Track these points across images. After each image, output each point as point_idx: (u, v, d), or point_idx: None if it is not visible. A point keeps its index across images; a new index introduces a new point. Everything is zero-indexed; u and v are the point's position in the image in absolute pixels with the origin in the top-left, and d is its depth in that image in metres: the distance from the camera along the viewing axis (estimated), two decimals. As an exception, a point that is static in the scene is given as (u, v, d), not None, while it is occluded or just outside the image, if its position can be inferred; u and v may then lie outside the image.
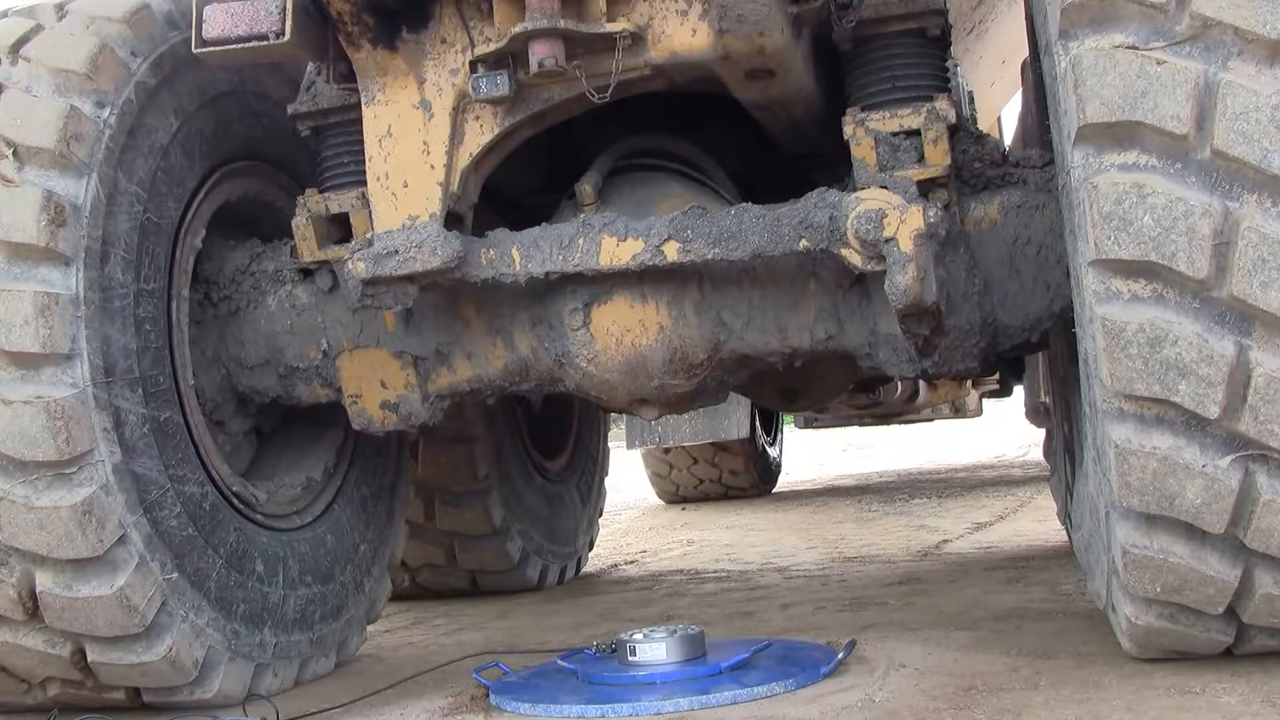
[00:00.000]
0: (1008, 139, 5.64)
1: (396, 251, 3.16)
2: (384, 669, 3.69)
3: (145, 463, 3.08)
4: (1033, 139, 3.89)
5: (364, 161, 3.25)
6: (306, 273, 3.59)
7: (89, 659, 3.05)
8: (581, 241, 3.19)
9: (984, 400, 9.66)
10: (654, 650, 3.07)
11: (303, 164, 3.75)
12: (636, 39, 3.02)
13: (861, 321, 3.32)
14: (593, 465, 5.96)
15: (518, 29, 2.93)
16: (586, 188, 3.38)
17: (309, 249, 3.47)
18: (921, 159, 3.11)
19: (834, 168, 3.49)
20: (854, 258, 2.99)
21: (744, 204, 3.22)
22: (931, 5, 3.21)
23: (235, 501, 3.44)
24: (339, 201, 3.42)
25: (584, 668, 3.16)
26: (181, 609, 3.10)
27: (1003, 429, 14.06)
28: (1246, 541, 2.39)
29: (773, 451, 9.70)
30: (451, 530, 4.92)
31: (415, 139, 3.18)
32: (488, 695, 3.11)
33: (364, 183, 3.30)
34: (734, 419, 8.00)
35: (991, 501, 7.63)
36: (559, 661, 3.28)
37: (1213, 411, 2.31)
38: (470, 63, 3.11)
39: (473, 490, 4.84)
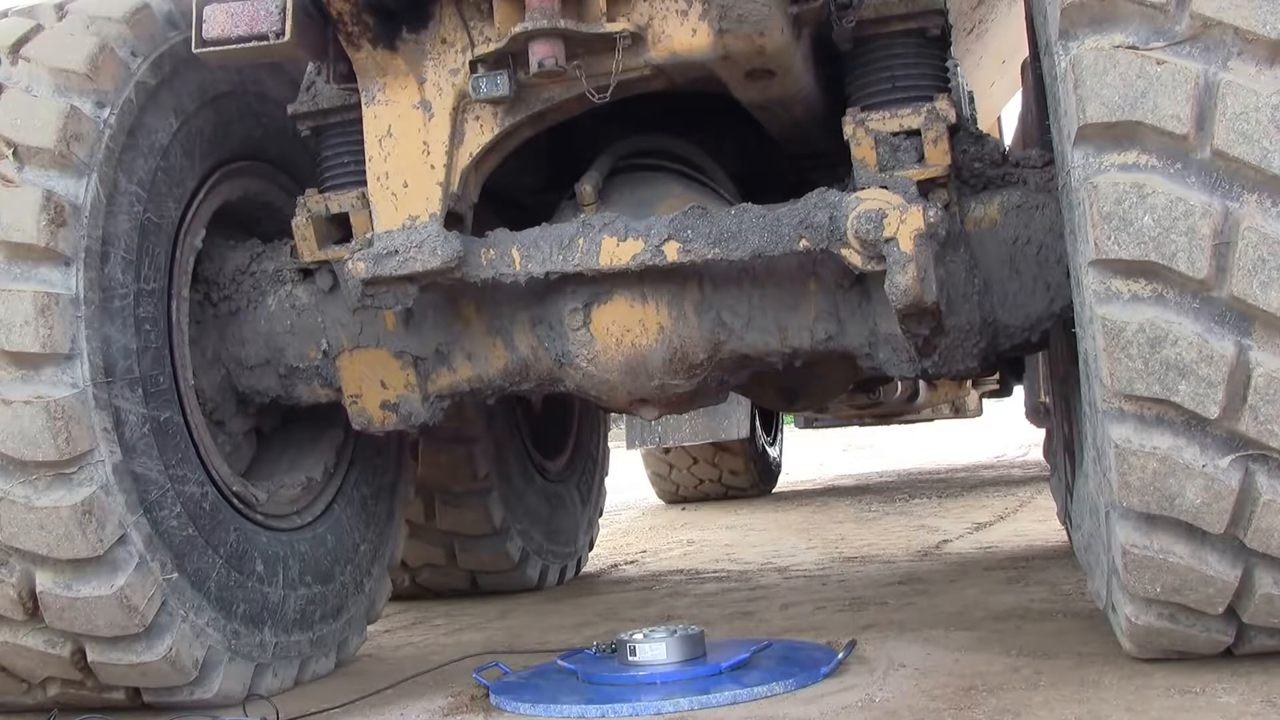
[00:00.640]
0: (1008, 139, 5.64)
1: (396, 251, 3.16)
2: (384, 669, 3.69)
3: (145, 463, 3.08)
4: (1033, 139, 3.89)
5: (364, 161, 3.25)
6: (306, 273, 3.60)
7: (89, 659, 3.05)
8: (581, 241, 3.19)
9: (984, 400, 9.66)
10: (654, 650, 3.07)
11: (303, 164, 3.75)
12: (636, 39, 3.02)
13: (861, 321, 3.32)
14: (593, 465, 5.96)
15: (518, 29, 2.93)
16: (586, 188, 3.38)
17: (309, 249, 3.47)
18: (921, 159, 3.11)
19: (834, 168, 3.49)
20: (854, 258, 2.99)
21: (744, 204, 3.22)
22: (931, 5, 3.21)
23: (235, 501, 3.44)
24: (339, 201, 3.42)
25: (584, 668, 3.16)
26: (181, 609, 3.10)
27: (1003, 429, 14.07)
28: (1246, 541, 2.39)
29: (773, 451, 9.70)
30: (451, 530, 4.92)
31: (415, 139, 3.18)
32: (488, 695, 3.11)
33: (364, 183, 3.30)
34: (734, 419, 8.00)
35: (991, 501, 7.63)
36: (559, 661, 3.28)
37: (1213, 411, 2.31)
38: (470, 63, 3.11)
39: (473, 490, 4.84)
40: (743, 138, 3.82)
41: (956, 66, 3.89)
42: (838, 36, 3.25)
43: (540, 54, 2.93)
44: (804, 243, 3.04)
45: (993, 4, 5.84)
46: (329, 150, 3.54)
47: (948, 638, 3.38)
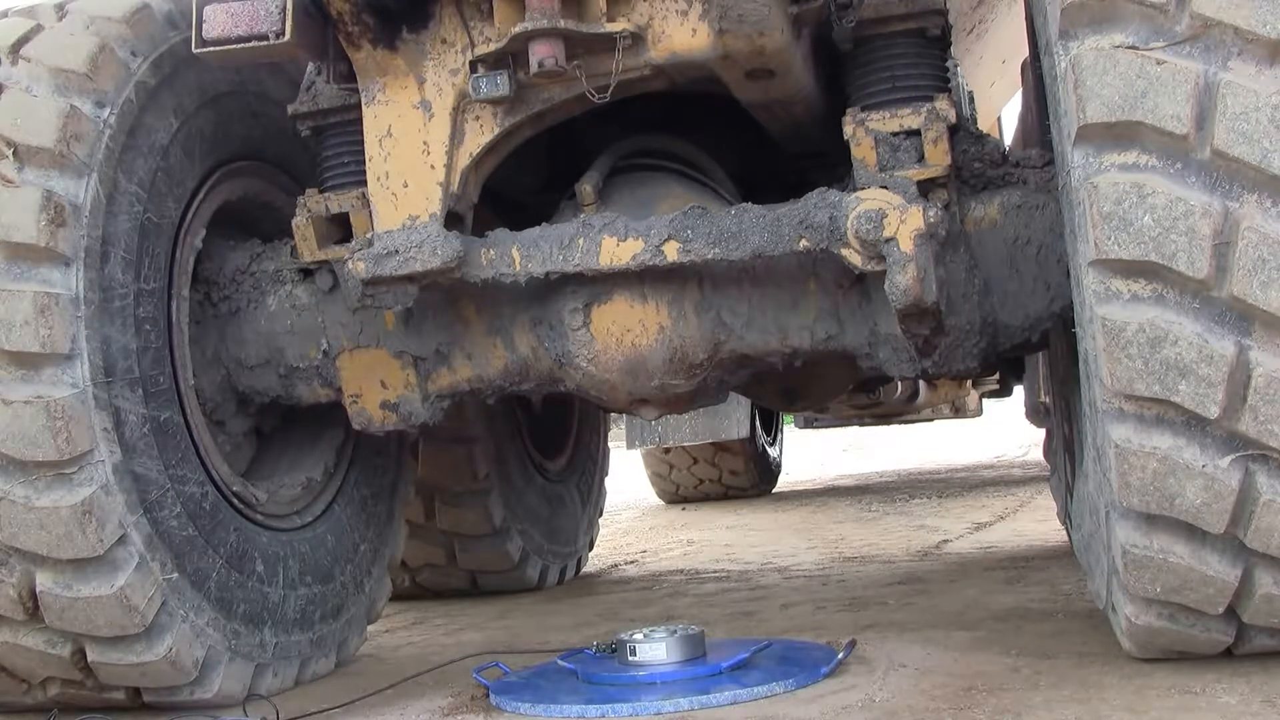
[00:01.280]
0: (1008, 139, 5.64)
1: (397, 251, 3.16)
2: (384, 669, 3.69)
3: (145, 463, 3.08)
4: (1033, 139, 3.89)
5: (364, 161, 3.25)
6: (307, 273, 3.59)
7: (89, 659, 3.05)
8: (581, 241, 3.19)
9: (984, 400, 9.66)
10: (654, 650, 3.07)
11: (303, 164, 3.75)
12: (636, 39, 3.02)
13: (861, 321, 3.32)
14: (593, 465, 5.96)
15: (518, 29, 2.93)
16: (586, 188, 3.38)
17: (309, 249, 3.47)
18: (921, 159, 3.11)
19: (834, 168, 3.49)
20: (854, 258, 2.99)
21: (744, 204, 3.22)
22: (931, 5, 3.21)
23: (235, 501, 3.44)
24: (339, 201, 3.42)
25: (584, 668, 3.16)
26: (181, 609, 3.10)
27: (1003, 429, 14.06)
28: (1246, 541, 2.39)
29: (773, 451, 9.70)
30: (451, 530, 4.92)
31: (415, 139, 3.18)
32: (488, 695, 3.11)
33: (364, 183, 3.30)
34: (734, 419, 8.00)
35: (991, 501, 7.62)
36: (559, 661, 3.28)
37: (1213, 411, 2.31)
38: (470, 63, 3.11)
39: (473, 490, 4.84)
40: (743, 138, 3.82)
41: (956, 66, 3.89)
42: (838, 36, 3.25)
43: (540, 54, 2.93)
44: (804, 243, 3.04)
45: (993, 4, 5.84)
46: (329, 150, 3.54)
47: (948, 638, 3.38)
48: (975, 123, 3.62)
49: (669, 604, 4.59)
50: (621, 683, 3.03)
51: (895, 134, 3.12)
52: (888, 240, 2.92)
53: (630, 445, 8.30)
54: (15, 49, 3.11)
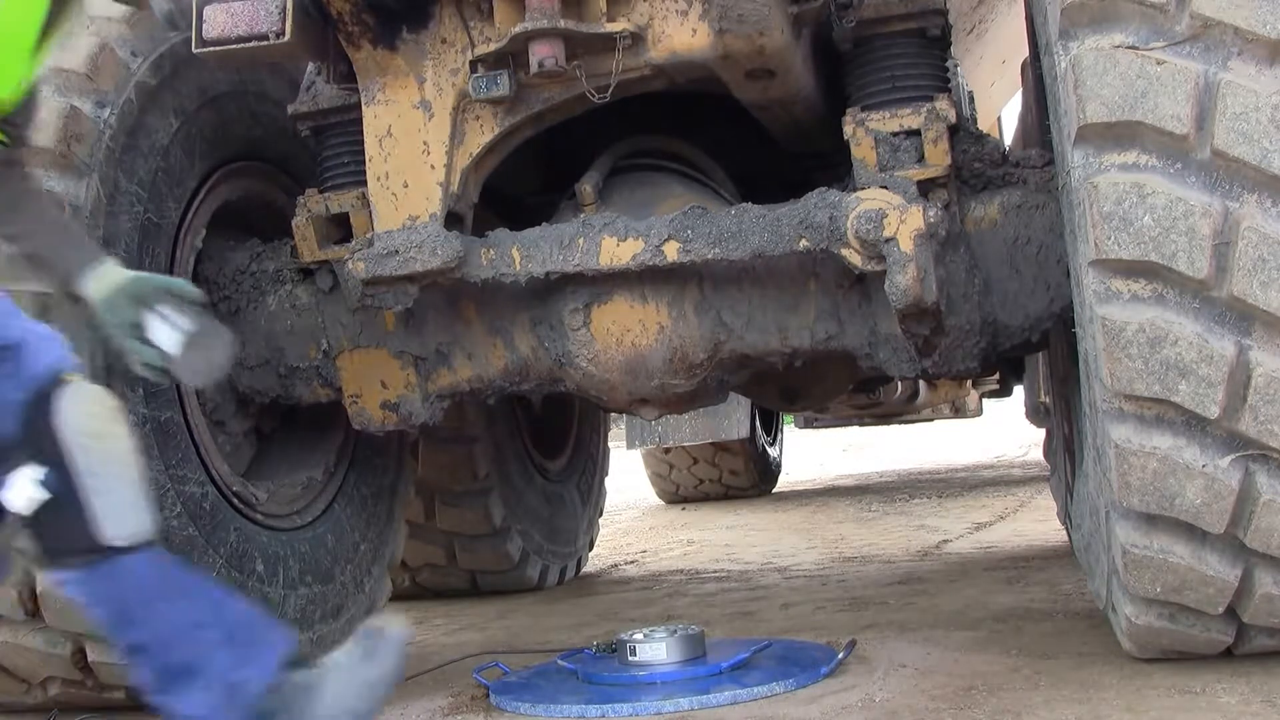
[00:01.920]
0: (1008, 139, 5.64)
1: (397, 251, 3.16)
2: (384, 669, 3.68)
3: (145, 462, 3.07)
4: (1033, 139, 3.89)
5: (364, 161, 3.25)
6: (307, 273, 3.59)
7: (89, 659, 3.04)
8: (581, 241, 3.19)
9: (984, 400, 9.65)
10: (654, 650, 3.07)
11: (303, 164, 3.75)
12: (636, 39, 3.02)
13: (861, 321, 3.31)
14: (593, 465, 5.95)
15: (518, 29, 2.93)
16: (586, 188, 3.38)
17: (309, 249, 3.47)
18: (921, 159, 3.11)
19: (834, 168, 3.49)
20: (854, 258, 2.99)
21: (744, 204, 3.22)
22: (931, 5, 3.21)
23: (235, 501, 3.44)
24: (339, 201, 3.42)
25: (584, 668, 3.16)
26: (181, 609, 3.10)
27: (1003, 429, 14.06)
28: (1246, 541, 2.40)
29: (773, 451, 9.70)
30: (451, 530, 4.92)
31: (415, 139, 3.18)
32: (488, 695, 3.11)
33: (364, 183, 3.30)
34: (734, 419, 8.00)
35: (991, 501, 7.62)
36: (559, 661, 3.28)
37: (1213, 411, 2.31)
38: (470, 63, 3.11)
39: (473, 490, 4.84)
40: (743, 138, 3.82)
41: (956, 66, 3.89)
42: (838, 36, 3.25)
43: (540, 54, 2.93)
44: (804, 243, 3.04)
45: (993, 4, 5.84)
46: (329, 150, 3.54)
47: (948, 638, 3.38)
48: (975, 123, 3.62)
49: (669, 604, 4.59)
50: (621, 683, 3.03)
51: (895, 134, 3.12)
52: (888, 240, 2.92)
53: (630, 445, 8.30)
54: (15, 49, 3.11)
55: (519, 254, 3.22)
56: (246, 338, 3.60)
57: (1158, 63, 2.31)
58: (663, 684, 2.98)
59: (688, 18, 3.00)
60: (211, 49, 3.10)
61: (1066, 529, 4.13)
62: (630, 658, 3.09)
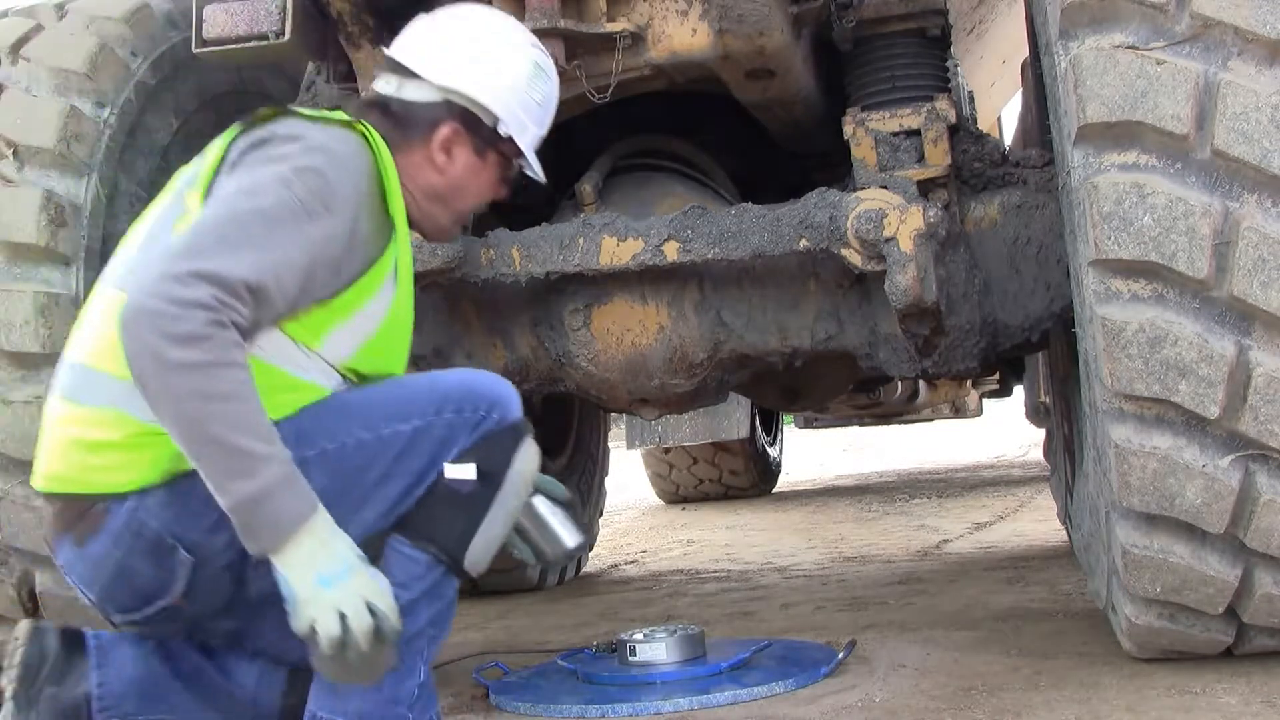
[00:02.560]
0: (1008, 139, 5.64)
1: (396, 251, 3.16)
2: (384, 669, 3.68)
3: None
4: (1033, 139, 3.89)
5: (364, 161, 3.25)
6: (306, 273, 3.58)
7: (89, 659, 3.04)
8: (582, 241, 3.19)
9: (984, 400, 9.65)
10: (654, 650, 3.07)
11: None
12: (636, 39, 3.02)
13: (861, 321, 3.32)
14: (593, 465, 5.95)
15: (518, 29, 2.93)
16: (586, 188, 3.38)
17: (309, 249, 3.46)
18: (921, 159, 3.11)
19: (834, 168, 3.49)
20: (854, 258, 2.99)
21: (744, 204, 3.22)
22: (931, 5, 3.21)
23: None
24: (339, 201, 3.42)
25: (584, 668, 3.16)
26: (181, 609, 3.10)
27: (1003, 429, 14.07)
28: (1246, 541, 2.39)
29: (773, 451, 9.70)
30: (451, 530, 4.91)
31: (415, 139, 3.18)
32: (488, 695, 3.11)
33: (364, 183, 3.30)
34: (734, 419, 7.99)
35: (991, 501, 7.62)
36: (559, 661, 3.28)
37: (1213, 411, 2.31)
38: (470, 63, 3.11)
39: (472, 490, 4.83)
40: (743, 138, 3.82)
41: (956, 66, 3.89)
42: (838, 36, 3.25)
43: (540, 54, 2.93)
44: (804, 243, 3.04)
45: (993, 4, 5.83)
46: (329, 150, 3.54)
47: (948, 638, 3.38)
48: (975, 123, 3.62)
49: (669, 604, 4.59)
50: (621, 683, 3.03)
51: (895, 134, 3.12)
52: (888, 240, 2.92)
53: (630, 445, 8.30)
54: (15, 49, 3.12)
55: (519, 254, 3.22)
56: (246, 338, 3.60)
57: (1158, 63, 2.31)
58: (663, 684, 2.97)
59: (688, 18, 3.00)
60: (211, 49, 3.10)
61: (1066, 529, 4.13)
62: (630, 658, 3.09)
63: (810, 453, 14.01)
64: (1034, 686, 2.74)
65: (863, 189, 3.05)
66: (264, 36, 3.07)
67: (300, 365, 2.23)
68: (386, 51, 2.55)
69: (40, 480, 2.25)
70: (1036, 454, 10.08)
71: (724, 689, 2.87)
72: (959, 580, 4.47)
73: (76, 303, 2.96)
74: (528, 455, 2.34)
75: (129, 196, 3.16)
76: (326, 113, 2.40)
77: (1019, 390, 6.74)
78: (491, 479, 2.28)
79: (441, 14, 2.56)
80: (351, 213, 2.23)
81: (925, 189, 3.08)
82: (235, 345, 1.99)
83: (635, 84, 3.13)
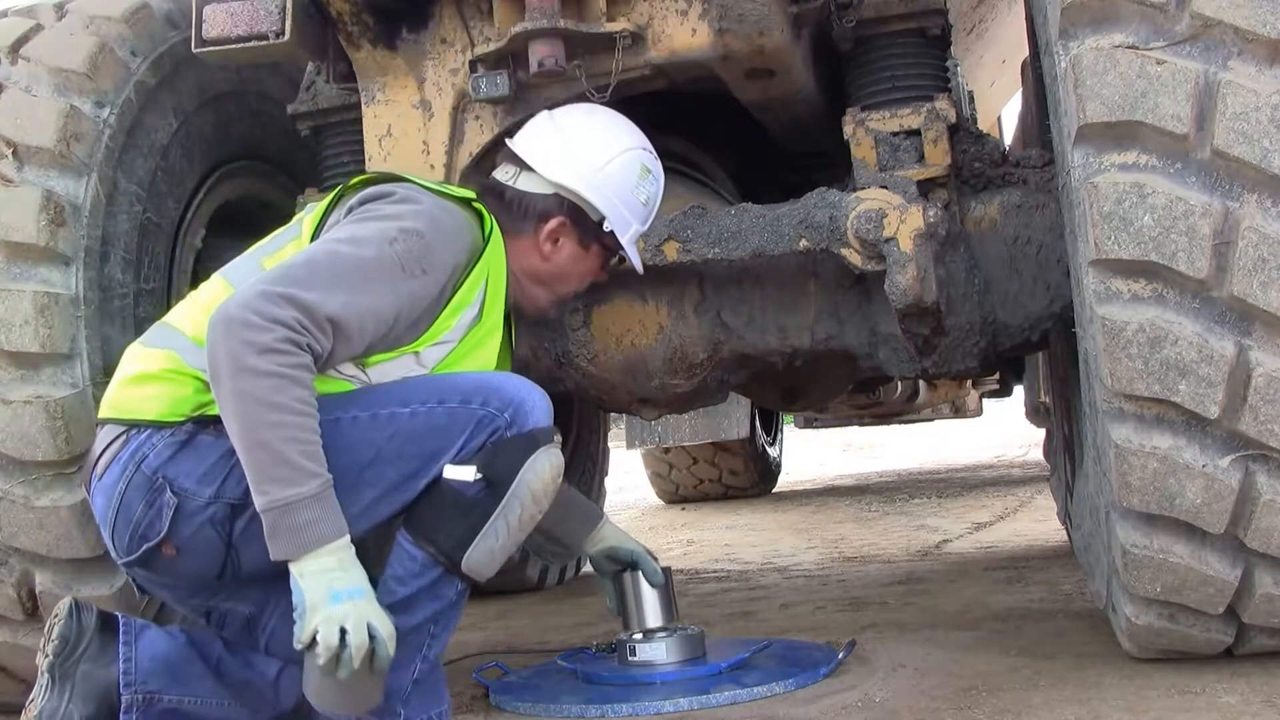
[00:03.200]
0: (1008, 139, 5.64)
1: (396, 251, 3.16)
2: (384, 669, 3.68)
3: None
4: (1033, 139, 3.89)
5: (364, 161, 3.25)
6: (306, 273, 3.59)
7: (89, 659, 3.04)
8: (581, 241, 3.18)
9: (984, 400, 9.64)
10: (654, 650, 3.07)
11: (302, 163, 3.75)
12: (636, 39, 3.02)
13: (861, 321, 3.31)
14: (593, 465, 5.95)
15: (518, 29, 2.93)
16: (586, 188, 3.37)
17: (309, 249, 3.46)
18: (921, 159, 3.11)
19: (834, 168, 3.49)
20: (854, 258, 2.99)
21: (744, 204, 3.22)
22: (931, 5, 3.21)
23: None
24: (339, 201, 3.42)
25: (584, 668, 3.16)
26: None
27: (1003, 429, 14.07)
28: (1246, 541, 2.39)
29: (773, 451, 9.69)
30: (452, 530, 4.91)
31: (415, 139, 3.18)
32: (488, 695, 3.11)
33: (363, 182, 3.30)
34: (734, 419, 7.99)
35: (991, 501, 7.62)
36: (559, 661, 3.28)
37: (1213, 411, 2.31)
38: (470, 62, 3.11)
39: (472, 490, 4.83)
40: (743, 138, 3.82)
41: (956, 66, 3.89)
42: (838, 36, 3.25)
43: (540, 54, 2.93)
44: (804, 243, 3.04)
45: (993, 4, 5.83)
46: (329, 150, 3.54)
47: (948, 638, 3.38)
48: (975, 123, 3.62)
49: (669, 604, 4.59)
50: (621, 683, 3.03)
51: (895, 134, 3.12)
52: (888, 240, 2.92)
53: (630, 445, 8.29)
54: (15, 49, 3.12)
55: (519, 254, 3.21)
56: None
57: (1158, 63, 2.31)
58: (663, 684, 2.97)
59: (688, 17, 3.00)
60: (211, 49, 3.10)
61: (1066, 529, 4.13)
62: (630, 658, 3.09)
63: (810, 453, 14.01)
64: (1034, 686, 2.74)
65: (863, 189, 3.05)
66: (264, 36, 3.07)
67: (342, 373, 2.38)
68: (508, 142, 2.74)
69: (100, 410, 2.47)
70: (1036, 454, 10.08)
71: (724, 689, 2.87)
72: (959, 580, 4.47)
73: (76, 302, 2.96)
74: (540, 467, 2.31)
75: (128, 196, 3.16)
76: (449, 187, 2.62)
77: (1019, 390, 6.74)
78: (497, 486, 2.29)
79: (561, 113, 2.75)
80: (443, 280, 2.41)
81: (925, 189, 3.08)
82: (305, 368, 2.15)
83: (635, 84, 3.13)
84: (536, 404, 2.36)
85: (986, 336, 3.26)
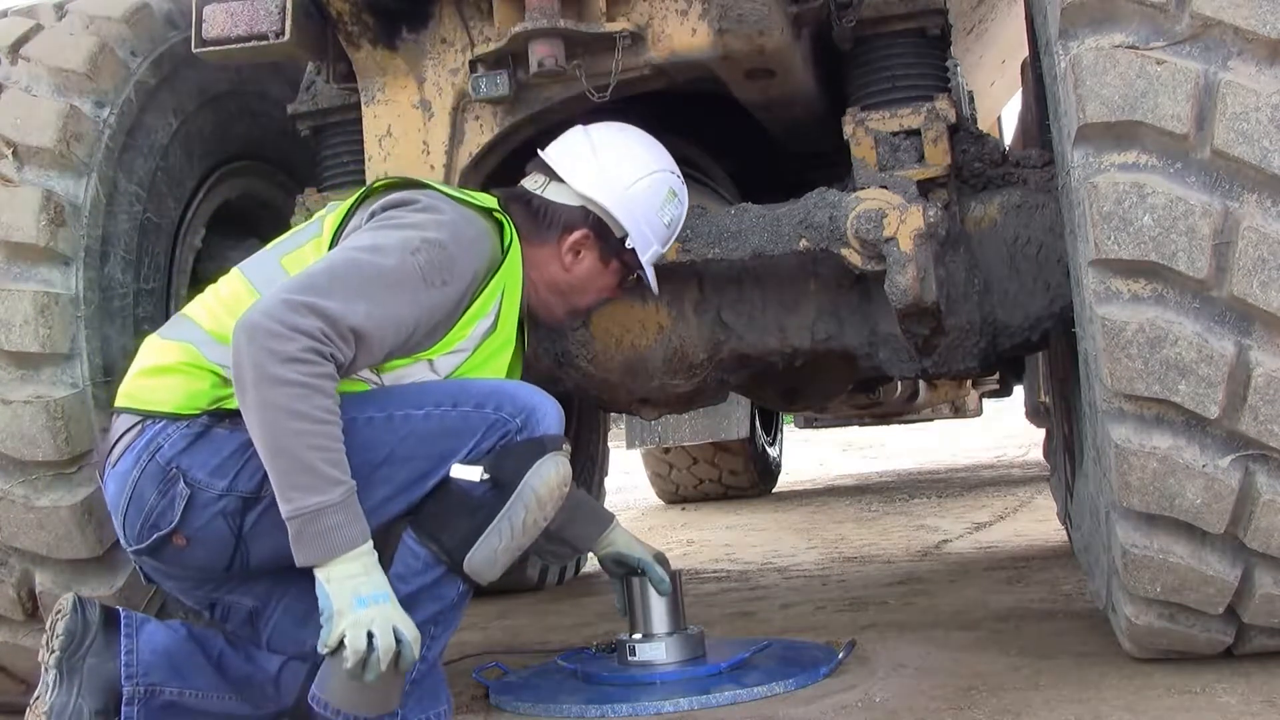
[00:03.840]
0: (1008, 139, 5.64)
1: (396, 251, 3.16)
2: (384, 669, 3.68)
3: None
4: (1033, 139, 3.89)
5: (364, 161, 3.25)
6: (306, 273, 3.59)
7: (88, 659, 3.04)
8: (582, 241, 3.18)
9: (984, 400, 9.64)
10: (654, 650, 3.07)
11: (302, 163, 3.75)
12: (636, 39, 3.02)
13: (861, 321, 3.31)
14: (592, 465, 5.95)
15: (518, 29, 2.93)
16: (586, 188, 3.37)
17: (309, 249, 3.46)
18: (921, 159, 3.11)
19: (834, 168, 3.49)
20: (854, 258, 2.99)
21: (744, 204, 3.22)
22: (931, 5, 3.21)
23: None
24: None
25: (584, 668, 3.16)
26: (181, 610, 3.10)
27: (1003, 429, 14.06)
28: (1246, 541, 2.39)
29: (773, 451, 9.69)
30: (452, 530, 4.90)
31: (415, 139, 3.18)
32: (488, 695, 3.11)
33: (364, 182, 3.30)
34: (734, 419, 7.99)
35: (991, 501, 7.62)
36: (559, 661, 3.28)
37: (1213, 411, 2.31)
38: (470, 62, 3.11)
39: (472, 490, 4.82)
40: (743, 138, 3.82)
41: (956, 66, 3.89)
42: (838, 36, 3.25)
43: (540, 54, 2.93)
44: (804, 243, 3.04)
45: (993, 4, 5.83)
46: (329, 150, 3.54)
47: (948, 638, 3.38)
48: (975, 123, 3.62)
49: (669, 604, 4.59)
50: (621, 683, 3.03)
51: (895, 134, 3.12)
52: (888, 240, 2.92)
53: (630, 445, 8.29)
54: (15, 49, 3.12)
55: (519, 254, 3.21)
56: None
57: (1158, 63, 2.30)
58: (663, 684, 2.97)
59: (688, 17, 3.00)
60: (211, 49, 3.10)
61: (1066, 529, 4.13)
62: (630, 658, 3.09)
63: (810, 453, 14.01)
64: (1034, 686, 2.74)
65: (863, 189, 3.05)
66: (264, 36, 3.07)
67: (359, 375, 2.41)
68: (540, 153, 2.77)
69: (117, 399, 2.49)
70: (1036, 454, 10.08)
71: (724, 689, 2.87)
72: (959, 580, 4.47)
73: (76, 302, 2.96)
74: (546, 472, 2.34)
75: (128, 196, 3.16)
76: (470, 194, 2.64)
77: (1019, 390, 6.74)
78: (503, 488, 2.31)
79: (595, 129, 2.80)
80: (463, 290, 2.45)
81: (925, 189, 3.08)
82: (329, 377, 2.19)
83: (635, 84, 3.13)
84: (549, 412, 2.38)
85: (986, 336, 3.26)
